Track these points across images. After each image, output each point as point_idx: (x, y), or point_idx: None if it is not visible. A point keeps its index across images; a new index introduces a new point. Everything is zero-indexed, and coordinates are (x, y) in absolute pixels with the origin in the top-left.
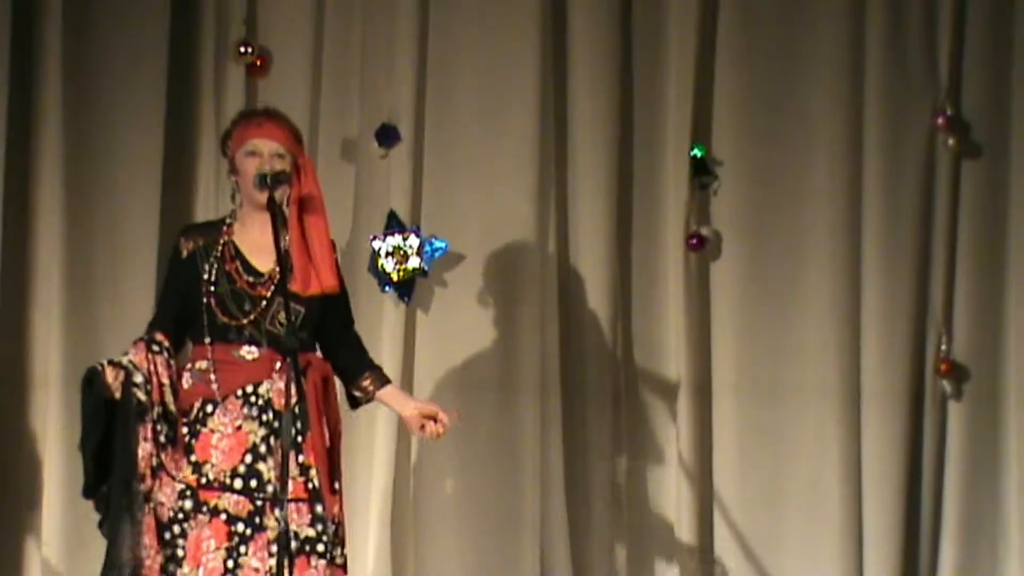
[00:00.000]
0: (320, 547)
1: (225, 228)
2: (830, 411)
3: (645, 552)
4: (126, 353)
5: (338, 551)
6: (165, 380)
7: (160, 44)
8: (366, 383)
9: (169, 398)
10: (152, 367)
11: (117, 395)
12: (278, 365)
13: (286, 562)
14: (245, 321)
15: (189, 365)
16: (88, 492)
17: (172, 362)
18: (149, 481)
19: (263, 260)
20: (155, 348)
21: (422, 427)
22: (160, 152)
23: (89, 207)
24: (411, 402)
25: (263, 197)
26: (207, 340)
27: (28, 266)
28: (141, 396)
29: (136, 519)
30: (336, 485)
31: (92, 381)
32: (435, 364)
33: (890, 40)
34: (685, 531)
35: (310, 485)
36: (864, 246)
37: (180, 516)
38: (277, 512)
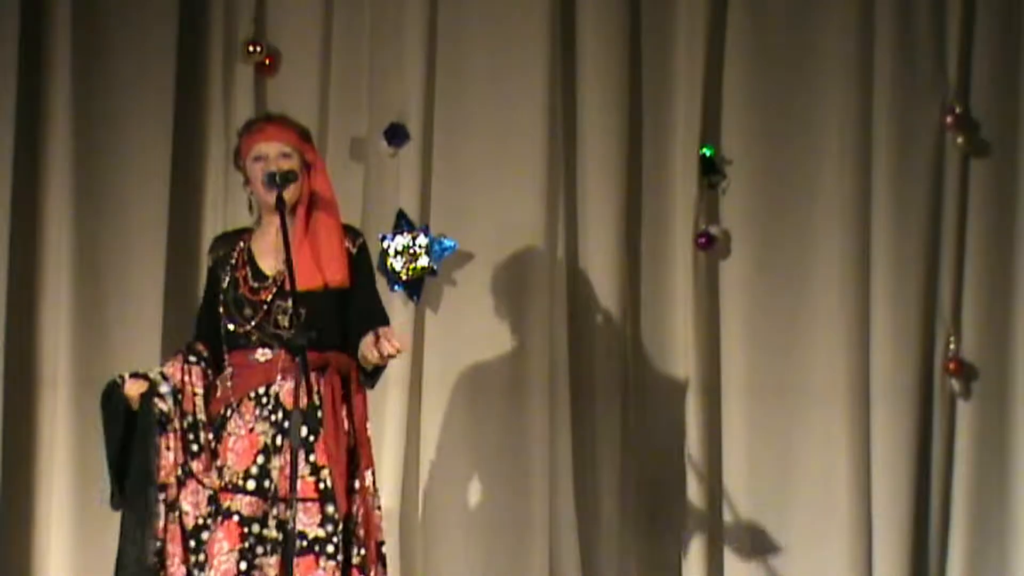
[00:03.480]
0: (330, 548)
1: (246, 236)
2: (839, 410)
3: (655, 553)
4: (166, 362)
5: (354, 550)
6: (199, 389)
7: (169, 43)
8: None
9: (202, 407)
10: (187, 376)
11: (135, 407)
12: (284, 364)
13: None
14: (249, 327)
15: (224, 374)
16: (113, 503)
17: (210, 371)
18: (174, 490)
19: (270, 263)
20: (192, 358)
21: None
22: (169, 152)
23: (98, 207)
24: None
25: (272, 197)
26: (225, 348)
27: (37, 266)
28: (163, 407)
29: (149, 527)
30: (356, 484)
31: (110, 394)
32: (444, 363)
33: (899, 39)
34: (695, 531)
35: (321, 485)
36: (873, 245)
37: (208, 522)
38: (275, 511)
